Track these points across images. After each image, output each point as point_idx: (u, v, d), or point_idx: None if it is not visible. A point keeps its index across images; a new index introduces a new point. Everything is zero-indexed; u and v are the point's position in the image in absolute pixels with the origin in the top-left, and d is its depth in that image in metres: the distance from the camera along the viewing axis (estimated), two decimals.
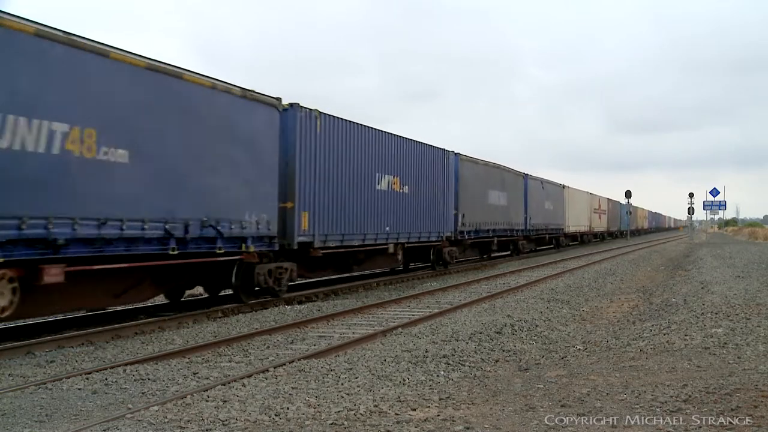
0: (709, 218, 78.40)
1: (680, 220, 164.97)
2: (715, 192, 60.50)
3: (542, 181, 39.69)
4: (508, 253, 35.69)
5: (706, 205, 63.23)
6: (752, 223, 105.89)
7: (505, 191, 32.28)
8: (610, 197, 66.01)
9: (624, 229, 72.57)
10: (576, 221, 48.63)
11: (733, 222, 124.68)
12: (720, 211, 67.62)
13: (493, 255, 32.99)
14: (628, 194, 60.81)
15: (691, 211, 58.01)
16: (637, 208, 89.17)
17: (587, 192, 54.60)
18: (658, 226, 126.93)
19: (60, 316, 13.09)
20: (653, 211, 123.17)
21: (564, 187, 45.29)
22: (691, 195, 56.92)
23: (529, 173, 37.06)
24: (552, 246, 44.25)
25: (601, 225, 60.60)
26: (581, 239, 53.11)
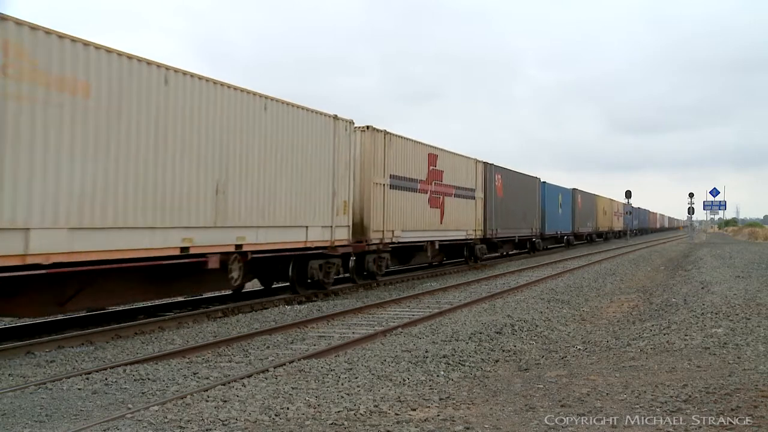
0: (709, 218, 78.50)
1: (676, 219, 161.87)
2: (715, 192, 60.60)
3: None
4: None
5: (706, 205, 63.31)
6: (752, 223, 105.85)
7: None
8: (512, 168, 34.00)
9: (561, 231, 43.67)
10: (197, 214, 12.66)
11: (733, 222, 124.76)
12: (720, 211, 67.74)
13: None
14: (628, 194, 60.82)
15: (691, 211, 58.14)
16: (596, 196, 57.66)
17: (368, 130, 19.41)
18: (642, 226, 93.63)
19: (60, 316, 13.08)
20: (635, 206, 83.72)
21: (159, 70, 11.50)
22: (691, 195, 57.16)
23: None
24: None
25: (460, 223, 25.95)
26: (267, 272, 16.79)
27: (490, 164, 30.26)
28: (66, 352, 10.14)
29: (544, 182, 40.19)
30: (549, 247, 44.03)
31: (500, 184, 31.56)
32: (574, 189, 48.91)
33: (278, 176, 14.99)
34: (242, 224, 13.89)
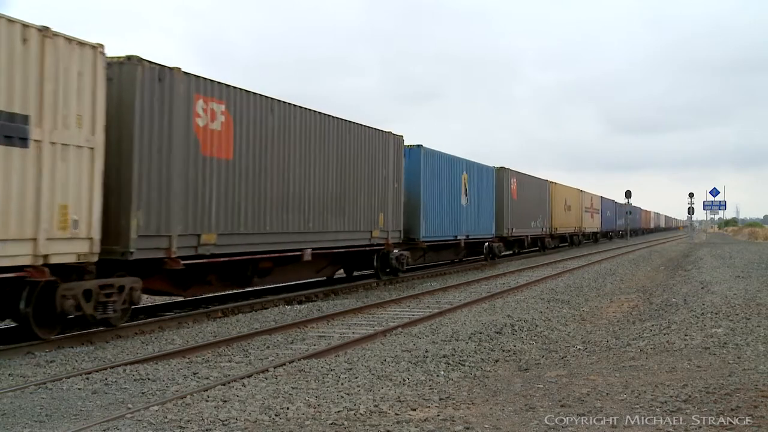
0: (709, 218, 78.53)
1: (674, 219, 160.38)
2: (715, 192, 60.62)
3: None
4: None
5: (706, 205, 63.33)
6: (752, 223, 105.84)
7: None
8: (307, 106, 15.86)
9: (470, 234, 26.41)
10: None
11: (733, 222, 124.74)
12: (720, 211, 67.77)
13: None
14: (628, 194, 60.79)
15: (691, 211, 58.17)
16: (550, 184, 40.00)
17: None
18: (632, 227, 76.68)
19: None
20: (617, 201, 64.14)
21: None
22: (691, 195, 57.22)
23: None
24: None
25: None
26: None
27: (175, 70, 11.96)
28: (66, 352, 10.13)
29: (418, 146, 22.23)
30: (464, 262, 28.40)
31: (226, 125, 13.31)
32: (501, 168, 31.31)
33: None
34: None
